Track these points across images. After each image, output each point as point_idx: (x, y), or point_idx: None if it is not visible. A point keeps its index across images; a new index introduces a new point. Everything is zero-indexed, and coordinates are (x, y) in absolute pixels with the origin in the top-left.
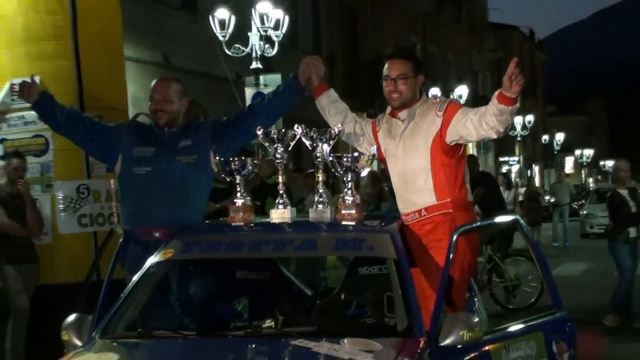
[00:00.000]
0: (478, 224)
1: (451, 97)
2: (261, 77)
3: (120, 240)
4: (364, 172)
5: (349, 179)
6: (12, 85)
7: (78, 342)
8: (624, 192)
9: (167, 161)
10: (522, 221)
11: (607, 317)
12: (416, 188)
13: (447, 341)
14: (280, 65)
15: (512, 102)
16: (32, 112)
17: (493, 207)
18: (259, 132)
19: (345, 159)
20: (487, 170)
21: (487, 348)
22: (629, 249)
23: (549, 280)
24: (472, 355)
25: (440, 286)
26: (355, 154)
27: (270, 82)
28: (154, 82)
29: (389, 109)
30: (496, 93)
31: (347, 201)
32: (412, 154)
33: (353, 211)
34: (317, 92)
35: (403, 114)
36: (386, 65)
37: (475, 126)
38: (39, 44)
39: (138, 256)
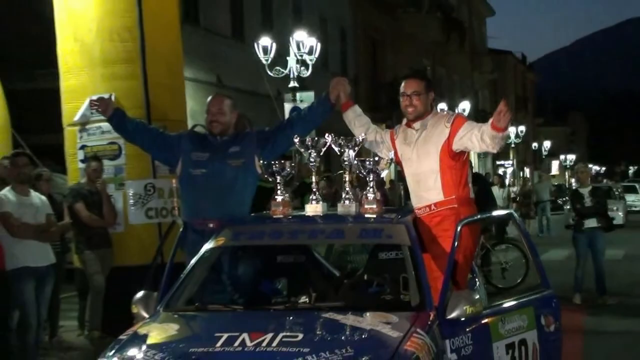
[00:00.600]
0: (478, 217)
1: (456, 110)
2: (297, 94)
3: (181, 229)
4: (383, 174)
5: (370, 179)
6: (91, 101)
7: (145, 315)
8: (584, 190)
9: (219, 164)
10: (515, 215)
11: (574, 296)
12: (427, 187)
13: (453, 315)
14: (313, 84)
15: (502, 130)
16: (108, 124)
17: (484, 204)
18: (296, 140)
19: (367, 162)
20: (480, 172)
21: (486, 320)
22: (585, 238)
23: (537, 263)
24: (474, 326)
25: (447, 268)
26: (376, 158)
27: (305, 98)
28: (209, 98)
29: (404, 121)
30: (490, 120)
31: (369, 197)
32: (424, 158)
33: (374, 206)
34: (344, 107)
35: (417, 124)
36: (403, 84)
37: (478, 142)
38: (113, 66)
39: (195, 243)
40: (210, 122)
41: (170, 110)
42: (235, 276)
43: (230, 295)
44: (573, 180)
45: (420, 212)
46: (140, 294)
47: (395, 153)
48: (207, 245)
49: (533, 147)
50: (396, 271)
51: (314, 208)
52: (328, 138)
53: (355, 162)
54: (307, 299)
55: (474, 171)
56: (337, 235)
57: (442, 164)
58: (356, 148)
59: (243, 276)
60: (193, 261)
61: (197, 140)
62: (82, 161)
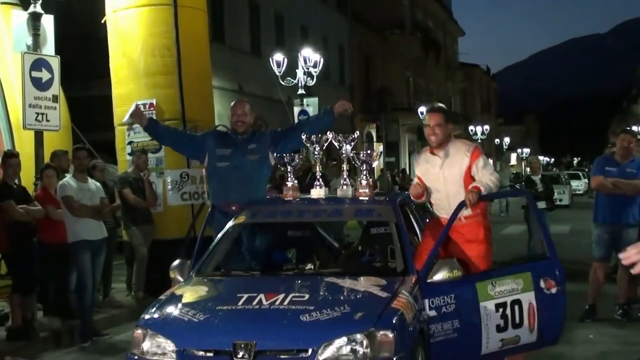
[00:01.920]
0: (496, 193)
1: None
2: (304, 100)
3: (209, 210)
4: (374, 164)
5: (364, 168)
6: (137, 105)
7: (181, 279)
8: (535, 178)
9: (240, 159)
10: (532, 197)
11: None
12: (456, 204)
13: (434, 279)
14: (317, 92)
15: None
16: None
17: None
18: (303, 137)
19: (361, 155)
20: None
21: (475, 283)
22: None
23: (546, 235)
24: (459, 288)
25: (436, 243)
26: (368, 151)
27: (311, 103)
28: (233, 102)
29: (427, 148)
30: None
31: (362, 183)
32: (451, 181)
33: (367, 190)
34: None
35: (440, 152)
36: (427, 117)
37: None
38: (155, 77)
39: (221, 221)
40: (235, 122)
41: (200, 112)
42: (254, 247)
43: (250, 263)
44: (528, 169)
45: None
46: (176, 262)
47: (418, 177)
48: (231, 223)
49: (495, 142)
50: (385, 243)
51: (317, 192)
52: (329, 135)
53: (351, 154)
54: (312, 266)
55: None
56: (336, 214)
57: (466, 185)
58: (352, 143)
59: (260, 247)
60: (219, 235)
61: (220, 138)
62: (130, 154)
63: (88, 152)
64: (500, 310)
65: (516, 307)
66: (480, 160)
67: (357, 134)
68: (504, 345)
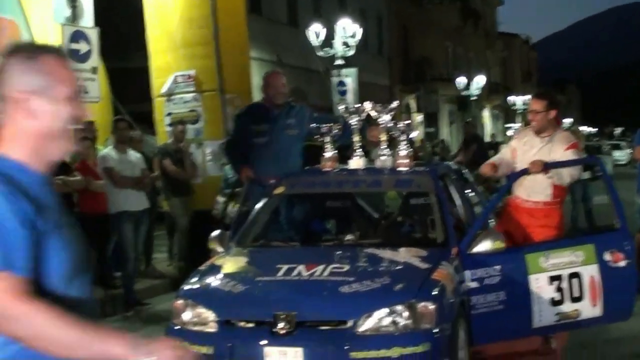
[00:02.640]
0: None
1: (472, 83)
2: (342, 70)
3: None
4: (414, 134)
5: (403, 138)
6: (175, 77)
7: (220, 250)
8: None
9: (278, 134)
10: (601, 163)
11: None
12: (541, 188)
13: (474, 250)
14: (355, 62)
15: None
16: (189, 95)
17: (480, 158)
18: (342, 107)
19: (400, 125)
20: (479, 133)
21: (524, 255)
22: (580, 186)
23: (617, 204)
24: (505, 261)
25: (483, 215)
26: (407, 122)
27: (349, 73)
28: (268, 73)
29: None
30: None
31: (402, 154)
32: None
33: (407, 160)
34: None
35: (546, 136)
36: (531, 101)
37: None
38: (192, 48)
39: (259, 193)
40: (275, 95)
41: (238, 83)
42: (293, 218)
43: (289, 233)
44: None
45: (528, 204)
46: (215, 232)
47: (513, 147)
48: (270, 194)
49: None
50: (424, 214)
51: (356, 162)
52: (368, 105)
53: (390, 124)
54: (351, 237)
55: (475, 132)
56: (375, 184)
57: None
58: (391, 113)
59: (299, 218)
60: (258, 206)
61: (256, 114)
62: (169, 125)
63: (128, 124)
64: (555, 283)
65: (575, 281)
66: (572, 151)
67: (396, 103)
68: (562, 319)
